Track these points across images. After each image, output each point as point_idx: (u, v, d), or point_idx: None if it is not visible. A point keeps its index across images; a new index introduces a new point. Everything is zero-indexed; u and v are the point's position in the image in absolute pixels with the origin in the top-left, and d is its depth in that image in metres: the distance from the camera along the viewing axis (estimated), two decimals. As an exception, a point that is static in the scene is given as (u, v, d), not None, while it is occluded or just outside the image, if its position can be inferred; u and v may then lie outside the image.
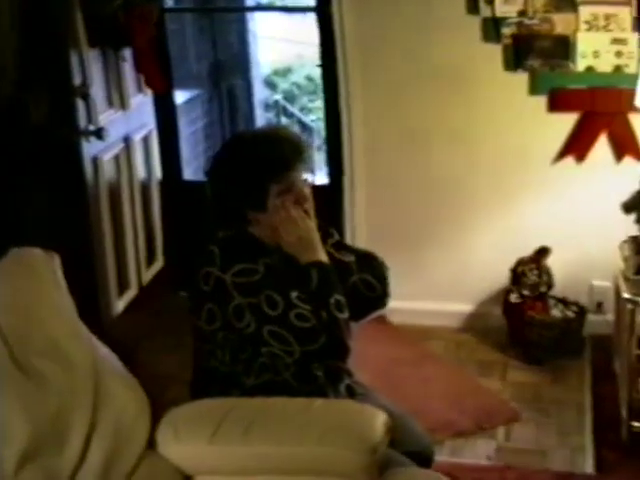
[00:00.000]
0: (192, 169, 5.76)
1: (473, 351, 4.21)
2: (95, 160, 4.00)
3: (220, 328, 2.50)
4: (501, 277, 4.19)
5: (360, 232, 4.40)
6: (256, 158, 2.52)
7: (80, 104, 3.83)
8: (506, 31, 3.86)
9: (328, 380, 2.63)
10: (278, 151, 2.52)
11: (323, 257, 2.53)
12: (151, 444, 2.48)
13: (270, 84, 8.37)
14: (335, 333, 2.48)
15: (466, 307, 4.39)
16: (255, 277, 2.48)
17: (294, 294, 2.46)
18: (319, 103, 8.45)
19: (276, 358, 2.49)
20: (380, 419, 2.40)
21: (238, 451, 2.40)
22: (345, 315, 2.49)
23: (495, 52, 3.95)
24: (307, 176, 2.58)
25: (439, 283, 4.38)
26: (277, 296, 2.45)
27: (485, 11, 3.88)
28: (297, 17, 7.72)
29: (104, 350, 2.61)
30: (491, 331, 4.27)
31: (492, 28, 3.90)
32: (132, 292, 4.43)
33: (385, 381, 3.68)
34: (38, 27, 3.70)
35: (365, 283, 2.65)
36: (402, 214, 4.36)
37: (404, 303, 4.00)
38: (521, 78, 3.96)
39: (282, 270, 2.53)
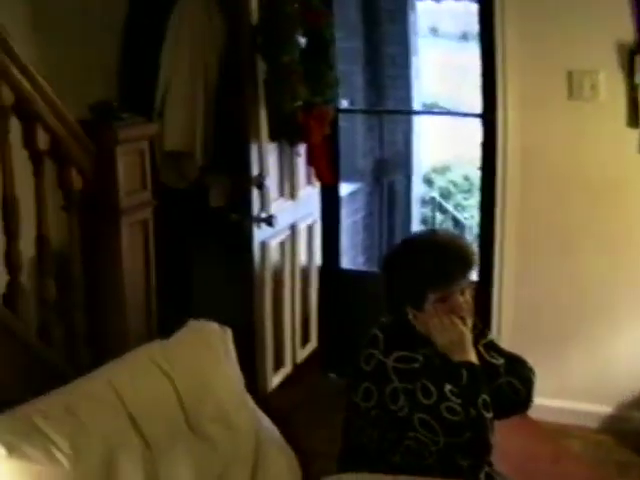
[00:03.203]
0: (349, 258, 5.96)
1: (611, 452, 4.19)
2: (263, 245, 4.20)
3: (374, 407, 2.65)
4: (642, 381, 4.22)
5: (506, 328, 4.51)
6: (419, 265, 2.69)
7: (255, 192, 4.05)
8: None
9: (469, 469, 2.71)
10: (442, 265, 2.66)
11: (473, 358, 2.66)
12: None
13: (428, 181, 8.56)
14: (480, 430, 2.60)
15: (606, 409, 4.39)
16: (414, 365, 2.64)
17: (448, 387, 2.59)
18: (473, 201, 8.63)
19: (421, 444, 2.61)
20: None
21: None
22: (490, 414, 2.60)
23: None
24: (469, 283, 2.71)
25: (580, 383, 4.41)
26: (432, 386, 2.60)
27: (645, 124, 3.99)
28: (459, 120, 7.95)
29: (266, 420, 2.85)
30: (631, 434, 4.26)
31: (650, 141, 4.01)
32: (287, 369, 4.57)
33: (523, 475, 3.72)
34: (226, 119, 4.00)
35: (511, 387, 2.77)
36: (547, 312, 4.45)
37: (544, 400, 4.08)
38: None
39: (438, 363, 2.67)
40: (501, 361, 2.81)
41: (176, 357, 2.65)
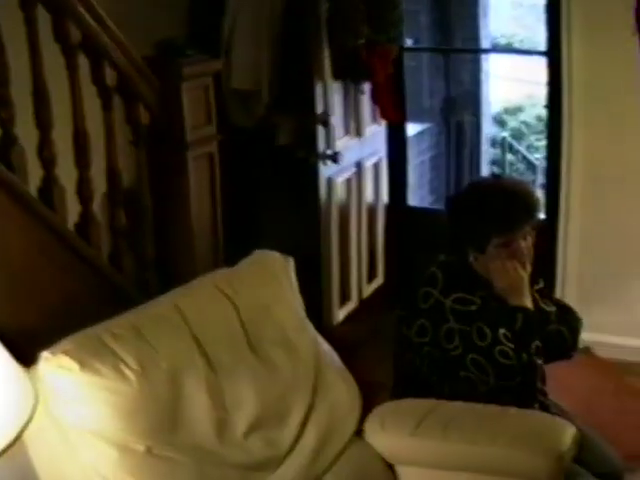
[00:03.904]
0: (417, 197, 6.00)
1: None
2: (330, 181, 4.29)
3: (427, 343, 2.74)
4: None
5: (572, 266, 4.54)
6: (486, 210, 2.74)
7: (320, 130, 4.13)
8: None
9: (520, 401, 2.76)
10: (507, 211, 2.72)
11: (529, 304, 2.73)
12: (358, 433, 2.76)
13: (499, 122, 8.49)
14: (530, 375, 2.69)
15: (670, 347, 4.40)
16: (472, 307, 2.71)
17: (502, 331, 2.66)
18: (546, 142, 8.54)
19: (472, 383, 2.70)
20: (570, 431, 2.57)
21: (436, 445, 2.63)
22: (540, 360, 2.69)
23: None
24: (532, 228, 2.76)
25: (645, 320, 4.42)
26: (487, 329, 2.67)
27: None
28: (530, 58, 7.86)
29: (326, 346, 2.91)
30: (694, 371, 4.26)
31: None
32: (352, 304, 4.66)
33: (584, 409, 3.71)
34: (291, 58, 4.06)
35: (559, 334, 2.83)
36: (613, 249, 4.46)
37: (610, 337, 4.13)
38: None
39: (494, 306, 2.73)
40: (553, 309, 2.86)
41: (240, 283, 2.72)
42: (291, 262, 2.93)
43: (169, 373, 2.36)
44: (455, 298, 2.72)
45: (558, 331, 2.82)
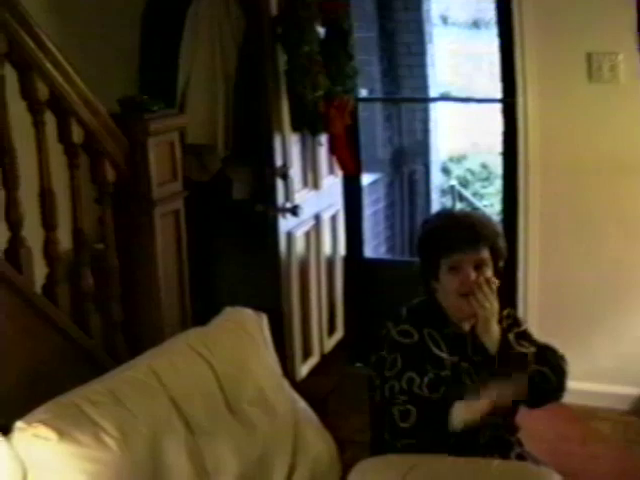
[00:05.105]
0: (371, 248, 5.99)
1: None
2: (289, 235, 4.23)
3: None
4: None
5: (532, 312, 4.52)
6: (433, 232, 2.81)
7: (279, 183, 4.08)
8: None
9: (497, 450, 2.76)
10: (448, 230, 2.76)
11: (490, 340, 2.70)
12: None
13: (445, 170, 8.59)
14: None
15: (634, 390, 4.41)
16: (406, 340, 2.74)
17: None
18: (491, 189, 8.64)
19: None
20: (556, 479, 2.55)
21: (422, 501, 2.57)
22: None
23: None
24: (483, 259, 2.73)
25: (608, 365, 4.42)
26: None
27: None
28: (474, 107, 7.97)
29: (303, 404, 2.88)
30: (660, 415, 4.26)
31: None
32: (315, 359, 4.60)
33: (553, 457, 3.75)
34: (247, 111, 4.03)
35: (541, 375, 2.74)
36: (573, 295, 4.48)
37: (573, 383, 4.09)
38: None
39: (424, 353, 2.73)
40: (532, 349, 2.80)
41: (214, 343, 2.68)
42: (264, 318, 2.90)
43: (149, 438, 2.31)
44: (400, 330, 2.74)
45: (539, 372, 2.75)
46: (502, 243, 2.84)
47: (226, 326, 2.81)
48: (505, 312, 2.87)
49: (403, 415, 2.64)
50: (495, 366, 2.69)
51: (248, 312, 2.87)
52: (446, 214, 3.22)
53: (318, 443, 2.79)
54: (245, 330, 2.80)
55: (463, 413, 2.58)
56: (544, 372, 2.75)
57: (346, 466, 2.81)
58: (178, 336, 2.75)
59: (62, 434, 2.12)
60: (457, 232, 2.74)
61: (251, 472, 2.53)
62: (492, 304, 2.70)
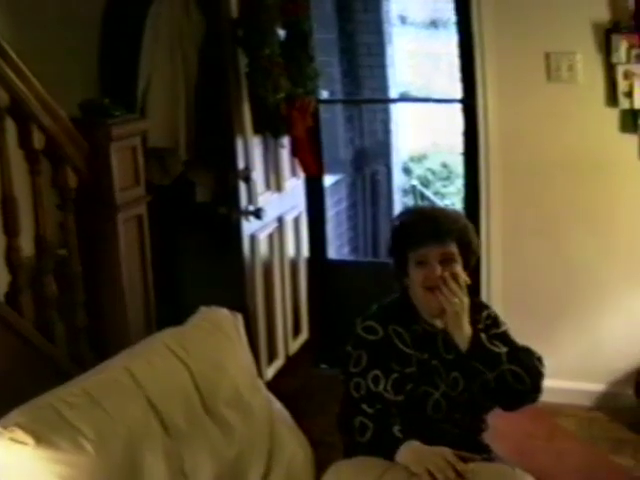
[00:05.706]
0: (334, 248, 5.99)
1: (605, 429, 4.23)
2: (252, 238, 4.22)
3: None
4: (633, 359, 4.28)
5: (496, 310, 4.52)
6: (400, 226, 2.81)
7: (242, 186, 4.07)
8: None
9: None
10: (414, 224, 2.75)
11: (460, 336, 2.67)
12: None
13: (406, 170, 8.61)
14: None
15: (598, 386, 4.45)
16: (370, 337, 2.73)
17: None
18: (452, 188, 8.67)
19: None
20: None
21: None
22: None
23: (632, 142, 4.12)
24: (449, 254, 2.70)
25: (572, 362, 4.44)
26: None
27: (624, 104, 4.05)
28: (434, 107, 8.00)
29: (278, 405, 2.88)
30: (623, 410, 4.30)
31: (630, 119, 4.08)
32: (280, 361, 4.60)
33: (519, 454, 3.76)
34: (208, 114, 4.02)
35: (514, 375, 2.68)
36: (536, 293, 4.50)
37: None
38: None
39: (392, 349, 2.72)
40: (504, 349, 2.73)
41: (190, 343, 2.66)
42: (239, 318, 2.89)
43: (126, 440, 2.29)
44: (365, 326, 2.73)
45: (511, 371, 2.68)
46: (473, 239, 2.82)
47: (202, 326, 2.79)
48: (485, 313, 2.86)
49: (361, 429, 2.61)
50: (466, 364, 2.68)
51: (224, 312, 2.85)
52: (415, 209, 3.26)
53: (293, 443, 2.78)
54: (221, 330, 2.79)
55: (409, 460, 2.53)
56: (517, 372, 2.69)
57: (318, 467, 2.80)
58: (154, 336, 2.73)
59: (39, 439, 2.09)
60: (423, 226, 2.73)
61: (227, 473, 2.52)
62: (461, 299, 2.67)
